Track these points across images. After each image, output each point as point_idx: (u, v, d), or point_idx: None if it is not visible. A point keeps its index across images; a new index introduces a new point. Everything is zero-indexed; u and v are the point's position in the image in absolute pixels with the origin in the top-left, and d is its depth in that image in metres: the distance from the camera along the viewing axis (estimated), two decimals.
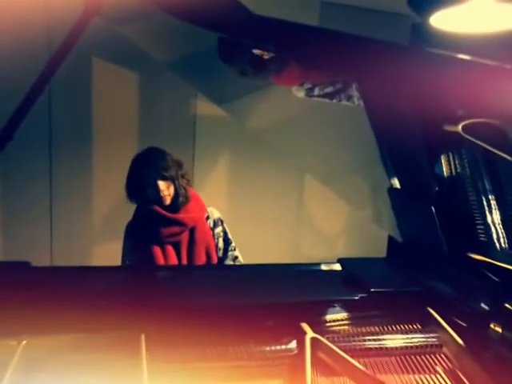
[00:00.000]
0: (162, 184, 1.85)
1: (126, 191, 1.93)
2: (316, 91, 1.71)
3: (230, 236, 2.02)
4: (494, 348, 1.16)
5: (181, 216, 1.90)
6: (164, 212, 1.88)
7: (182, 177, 1.92)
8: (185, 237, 1.91)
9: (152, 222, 1.90)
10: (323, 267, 1.59)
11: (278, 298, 1.34)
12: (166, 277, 1.57)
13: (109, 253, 2.75)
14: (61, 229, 2.88)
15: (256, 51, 1.54)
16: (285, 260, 1.80)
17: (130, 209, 2.87)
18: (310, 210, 3.25)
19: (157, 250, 1.89)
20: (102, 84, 2.78)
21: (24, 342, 1.06)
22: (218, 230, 2.00)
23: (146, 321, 1.14)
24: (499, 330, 1.17)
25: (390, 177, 1.66)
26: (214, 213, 2.01)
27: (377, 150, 1.65)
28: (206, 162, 3.04)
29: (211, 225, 1.98)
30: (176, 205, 1.90)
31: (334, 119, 1.84)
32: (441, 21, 1.08)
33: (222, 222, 2.02)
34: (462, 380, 1.13)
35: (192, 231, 1.92)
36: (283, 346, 1.16)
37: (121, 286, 1.39)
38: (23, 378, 1.01)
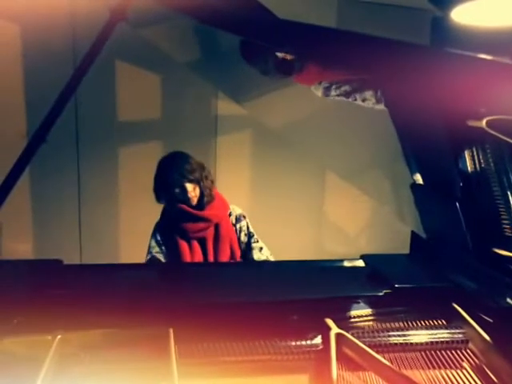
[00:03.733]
0: (189, 186, 1.98)
1: (154, 193, 2.04)
2: (332, 90, 1.78)
3: (251, 229, 2.12)
4: None
5: (206, 213, 2.02)
6: (190, 210, 1.99)
7: (206, 178, 2.04)
8: (210, 233, 2.03)
9: (179, 219, 2.01)
10: (346, 263, 1.60)
11: (303, 294, 1.35)
12: (193, 273, 1.60)
13: (136, 251, 2.82)
14: (89, 228, 2.95)
15: (279, 54, 1.62)
16: (308, 257, 1.81)
17: (157, 208, 2.92)
18: (332, 207, 3.25)
19: (184, 246, 2.00)
20: (126, 86, 2.84)
21: (58, 336, 1.10)
22: (240, 224, 2.11)
23: (174, 316, 1.17)
24: None
25: (412, 172, 1.65)
26: (236, 209, 2.13)
27: (399, 145, 1.64)
28: (227, 161, 3.06)
29: (233, 221, 2.10)
30: (202, 204, 2.02)
31: (355, 116, 1.84)
32: (462, 15, 1.07)
33: (244, 217, 2.12)
34: (489, 376, 1.13)
35: (217, 228, 2.03)
36: (308, 342, 1.17)
37: (149, 282, 1.42)
38: (58, 370, 1.05)
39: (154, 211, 2.94)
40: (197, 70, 2.29)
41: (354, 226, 3.28)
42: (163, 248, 2.03)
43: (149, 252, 2.04)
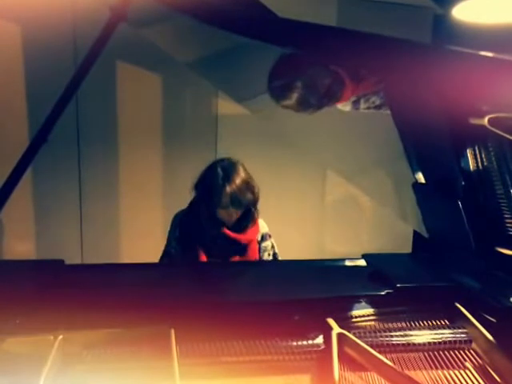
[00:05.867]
0: (233, 211, 1.74)
1: (194, 188, 1.79)
2: (362, 103, 1.69)
3: (276, 250, 1.98)
4: None
5: (239, 236, 1.84)
6: (229, 232, 1.80)
7: (255, 203, 1.80)
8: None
9: (210, 233, 1.82)
10: (348, 263, 1.59)
11: (304, 293, 1.35)
12: (194, 273, 1.60)
13: (137, 251, 2.82)
14: (90, 228, 2.96)
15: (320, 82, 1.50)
16: (309, 256, 1.80)
17: (157, 207, 2.93)
18: (333, 207, 3.24)
19: (202, 258, 1.83)
20: (127, 86, 2.84)
21: (60, 336, 1.10)
22: (265, 243, 1.94)
23: (176, 316, 1.17)
24: None
25: (414, 171, 1.64)
26: (264, 226, 1.95)
27: (400, 144, 1.64)
28: None
29: (259, 238, 1.93)
30: (239, 227, 1.82)
31: (356, 116, 1.83)
32: (463, 12, 1.06)
33: (269, 236, 1.96)
34: (492, 376, 1.12)
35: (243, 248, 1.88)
36: (310, 342, 1.17)
37: (150, 282, 1.42)
38: (61, 369, 1.06)
39: (155, 210, 2.94)
40: (197, 70, 2.29)
41: (355, 226, 3.27)
42: (179, 247, 1.87)
43: (167, 244, 1.91)
